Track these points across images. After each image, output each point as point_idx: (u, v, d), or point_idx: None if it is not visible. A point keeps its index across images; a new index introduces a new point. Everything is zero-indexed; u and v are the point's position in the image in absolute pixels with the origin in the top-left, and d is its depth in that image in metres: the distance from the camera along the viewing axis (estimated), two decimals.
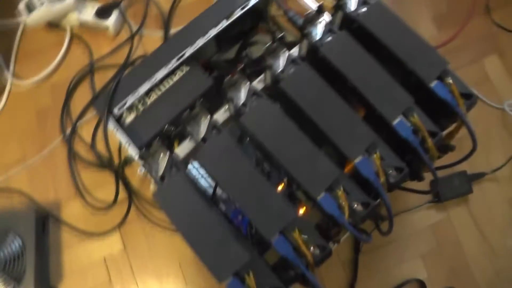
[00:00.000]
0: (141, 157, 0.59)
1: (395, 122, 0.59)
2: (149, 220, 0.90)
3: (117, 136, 0.77)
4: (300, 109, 0.59)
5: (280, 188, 0.73)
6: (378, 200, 0.58)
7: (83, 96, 0.97)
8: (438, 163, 0.70)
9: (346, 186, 0.57)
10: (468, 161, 0.90)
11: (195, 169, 0.80)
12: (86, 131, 0.96)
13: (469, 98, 0.62)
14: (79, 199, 0.91)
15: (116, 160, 0.91)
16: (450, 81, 0.61)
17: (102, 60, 1.00)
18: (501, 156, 0.95)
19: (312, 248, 0.56)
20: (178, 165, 0.60)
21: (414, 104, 0.60)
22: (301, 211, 0.76)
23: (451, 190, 0.92)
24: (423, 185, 0.89)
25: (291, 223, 0.55)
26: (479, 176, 0.94)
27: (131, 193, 0.91)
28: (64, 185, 0.93)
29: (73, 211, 0.92)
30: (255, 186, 0.57)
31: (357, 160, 0.57)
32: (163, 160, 0.61)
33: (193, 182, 0.59)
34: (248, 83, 0.62)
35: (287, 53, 0.63)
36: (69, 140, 0.93)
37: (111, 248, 0.90)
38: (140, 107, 0.80)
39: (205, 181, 0.79)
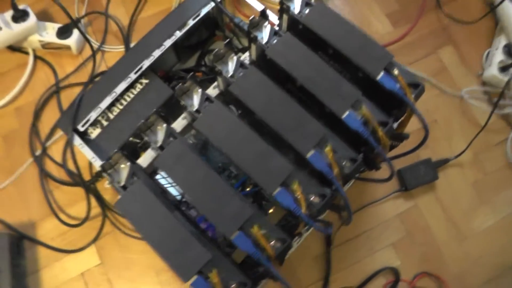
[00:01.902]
0: (103, 168, 0.61)
1: (344, 115, 0.61)
2: (123, 232, 0.91)
3: (84, 153, 0.79)
4: (251, 111, 0.61)
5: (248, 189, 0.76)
6: (334, 191, 0.60)
7: (51, 116, 0.98)
8: (396, 152, 0.73)
9: (301, 180, 0.59)
10: (432, 148, 0.94)
11: (163, 178, 0.82)
12: (56, 150, 0.97)
13: (416, 87, 0.64)
14: (52, 218, 0.92)
15: (87, 176, 0.92)
16: (396, 72, 0.63)
17: (67, 79, 1.01)
18: (462, 141, 0.98)
19: (273, 242, 0.58)
20: (137, 174, 0.61)
21: (361, 96, 0.62)
22: (271, 210, 0.78)
23: (416, 179, 0.95)
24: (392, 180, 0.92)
25: (249, 219, 0.57)
26: (443, 162, 0.97)
27: (104, 207, 0.92)
28: (37, 206, 0.94)
29: (48, 231, 0.93)
30: (212, 187, 0.59)
31: (309, 154, 0.59)
32: (124, 170, 0.62)
33: (154, 189, 0.61)
34: (200, 89, 0.63)
35: (235, 59, 0.65)
36: (40, 161, 0.94)
37: (88, 263, 0.91)
38: (104, 122, 0.82)
39: (174, 189, 0.81)
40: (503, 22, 1.03)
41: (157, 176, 0.81)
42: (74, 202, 0.94)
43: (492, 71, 0.99)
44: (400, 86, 0.63)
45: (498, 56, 1.00)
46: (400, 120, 0.68)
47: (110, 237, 0.93)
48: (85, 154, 0.77)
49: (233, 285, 0.58)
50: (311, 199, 0.60)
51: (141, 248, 0.92)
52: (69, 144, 0.79)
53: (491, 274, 0.92)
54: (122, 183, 0.62)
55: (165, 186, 0.77)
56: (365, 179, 0.79)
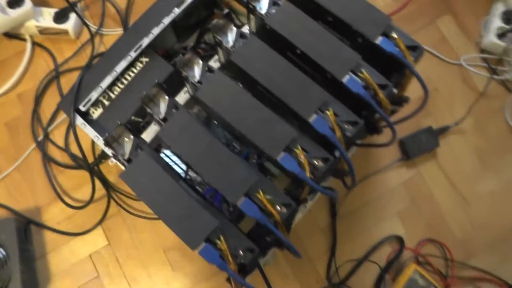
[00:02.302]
0: (106, 142, 0.61)
1: (345, 79, 0.61)
2: (129, 213, 0.92)
3: (86, 132, 0.79)
4: (253, 79, 0.61)
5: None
6: (338, 156, 0.61)
7: (52, 101, 0.99)
8: (398, 117, 0.73)
9: (304, 145, 0.60)
10: (434, 117, 0.95)
11: (167, 157, 0.82)
12: (58, 135, 0.97)
13: (415, 49, 0.64)
14: (58, 202, 0.92)
15: (91, 159, 0.93)
16: (395, 35, 0.64)
17: (66, 63, 1.01)
18: (463, 109, 0.99)
19: (278, 207, 0.58)
20: (141, 146, 0.62)
21: (361, 60, 0.62)
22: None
23: (418, 147, 0.96)
24: (394, 149, 0.94)
25: (254, 185, 0.57)
26: (443, 130, 0.97)
27: (109, 189, 0.92)
28: (42, 191, 0.94)
29: (54, 215, 0.94)
30: (216, 155, 0.59)
31: (312, 119, 0.60)
32: (128, 144, 0.63)
33: (158, 160, 0.61)
34: (201, 60, 0.63)
35: (235, 30, 0.65)
36: (42, 146, 0.95)
37: (96, 244, 0.92)
38: (106, 102, 0.83)
39: (178, 167, 0.81)
40: None
41: (161, 155, 0.81)
42: (79, 185, 0.95)
43: (491, 37, 0.99)
44: (399, 48, 0.63)
45: (496, 22, 1.00)
46: (400, 84, 0.67)
47: (117, 218, 0.94)
48: (88, 133, 0.77)
49: (240, 251, 0.58)
50: (315, 163, 0.60)
51: (148, 227, 0.92)
52: (71, 125, 0.79)
53: (494, 237, 0.93)
54: (127, 156, 0.63)
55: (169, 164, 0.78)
56: (368, 144, 0.79)
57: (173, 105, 0.63)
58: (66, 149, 0.95)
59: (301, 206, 0.71)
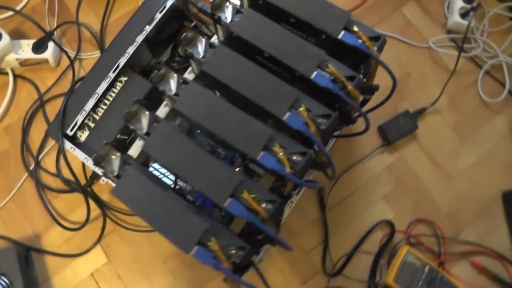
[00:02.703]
0: (95, 162, 0.64)
1: (313, 75, 0.64)
2: (125, 228, 0.94)
3: (75, 155, 0.82)
4: (226, 86, 0.64)
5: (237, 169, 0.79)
6: (317, 150, 0.64)
7: (39, 130, 1.01)
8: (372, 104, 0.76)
9: (282, 142, 0.62)
10: (409, 100, 0.98)
11: (155, 170, 0.85)
12: (49, 162, 1.00)
13: (378, 39, 0.67)
14: (56, 227, 0.95)
15: (83, 181, 0.95)
16: (356, 28, 0.67)
17: (49, 91, 1.04)
18: (437, 89, 1.02)
19: (264, 204, 0.61)
20: (129, 161, 0.64)
21: (327, 56, 0.65)
22: None
23: (397, 131, 0.99)
24: (374, 136, 0.97)
25: (239, 186, 0.60)
26: (421, 112, 1.01)
27: (104, 207, 0.95)
28: (39, 217, 0.97)
29: (53, 239, 0.96)
30: (200, 161, 0.62)
31: (285, 116, 0.63)
32: (116, 161, 0.65)
33: (146, 173, 0.64)
34: (176, 74, 0.66)
35: (204, 41, 0.68)
36: (35, 174, 0.97)
37: (96, 263, 0.95)
38: (91, 124, 0.85)
39: (167, 179, 0.84)
40: None
41: (150, 169, 0.84)
42: (74, 208, 0.97)
43: (455, 18, 1.03)
44: (362, 40, 0.66)
45: (458, 3, 1.04)
46: (368, 74, 0.71)
47: (114, 235, 0.96)
48: (77, 156, 0.80)
49: (233, 250, 0.61)
50: (294, 158, 0.63)
51: (145, 240, 0.95)
52: (61, 150, 0.81)
53: (480, 207, 0.97)
54: (116, 173, 0.65)
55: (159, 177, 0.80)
56: (345, 135, 0.82)
57: (154, 119, 0.66)
58: (58, 174, 0.97)
59: (288, 202, 0.75)
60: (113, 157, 0.66)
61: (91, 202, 0.94)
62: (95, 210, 0.96)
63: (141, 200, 0.62)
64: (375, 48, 0.67)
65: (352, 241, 0.94)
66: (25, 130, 1.00)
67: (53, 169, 0.99)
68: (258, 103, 0.63)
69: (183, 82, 0.67)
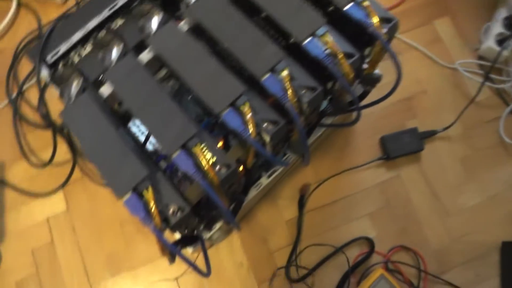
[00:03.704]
0: (53, 78, 0.59)
1: (306, 41, 0.58)
2: (92, 180, 0.89)
3: (49, 84, 0.77)
4: (207, 32, 0.58)
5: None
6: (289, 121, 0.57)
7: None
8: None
9: (254, 105, 0.56)
10: (420, 119, 0.90)
11: (135, 126, 0.80)
12: (33, 95, 0.96)
13: (389, 21, 0.60)
14: (23, 161, 0.90)
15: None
16: (366, 3, 0.60)
17: (50, 24, 1.00)
18: (453, 114, 0.93)
19: (218, 167, 0.54)
20: (88, 88, 0.59)
21: (327, 25, 0.59)
22: None
23: (400, 147, 0.91)
24: (375, 147, 0.88)
25: (193, 138, 0.54)
26: (430, 134, 0.92)
27: (76, 153, 0.90)
28: (8, 148, 0.93)
29: (17, 173, 0.91)
30: (159, 104, 0.56)
31: (264, 77, 0.56)
32: (76, 86, 0.60)
33: (101, 105, 0.58)
34: (162, 13, 0.61)
35: None
36: (15, 102, 0.93)
37: (54, 209, 0.90)
38: (76, 58, 0.80)
39: (150, 144, 0.78)
40: None
41: (130, 124, 0.78)
42: (46, 146, 0.92)
43: (489, 43, 0.95)
44: (370, 18, 0.60)
45: (497, 28, 0.95)
46: (370, 59, 0.63)
47: (79, 185, 0.91)
48: (53, 86, 0.75)
49: (171, 209, 0.54)
50: (264, 126, 0.56)
51: (108, 198, 0.90)
52: (36, 73, 0.76)
53: (472, 253, 0.87)
54: (73, 99, 0.60)
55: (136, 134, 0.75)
56: (330, 125, 0.75)
57: (124, 52, 0.60)
58: (38, 108, 0.93)
59: (256, 183, 0.68)
60: (75, 82, 0.60)
61: (64, 146, 0.90)
62: (67, 154, 0.91)
63: (87, 131, 0.56)
64: (384, 30, 0.59)
65: (325, 250, 0.86)
66: (17, 57, 0.97)
67: (35, 103, 0.95)
68: (238, 57, 0.57)
69: (165, 22, 0.61)
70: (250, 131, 0.54)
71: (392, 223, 0.88)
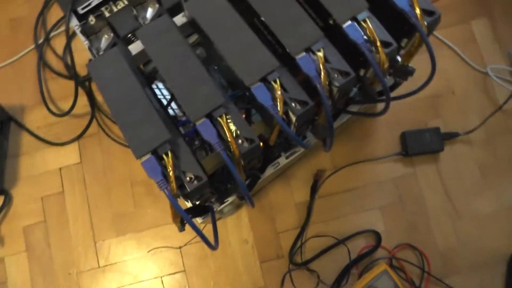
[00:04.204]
0: (83, 31, 0.58)
1: (346, 25, 0.56)
2: (107, 136, 0.89)
3: (78, 33, 0.76)
4: (247, 2, 0.57)
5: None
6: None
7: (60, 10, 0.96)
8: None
9: (285, 82, 0.55)
10: (443, 119, 0.88)
11: (157, 89, 0.79)
12: (59, 43, 0.95)
13: (431, 15, 0.59)
14: (42, 107, 0.90)
15: (84, 73, 0.90)
16: None
17: None
18: (477, 119, 0.92)
19: (240, 140, 0.54)
20: (119, 43, 0.58)
21: (368, 11, 0.57)
22: None
23: (420, 145, 0.89)
24: (394, 141, 0.86)
25: (220, 108, 0.53)
26: (452, 135, 0.91)
27: (94, 107, 0.90)
28: (30, 92, 0.93)
29: (35, 118, 0.92)
30: (188, 68, 0.55)
31: (299, 56, 0.55)
32: (106, 40, 0.59)
33: (131, 63, 0.57)
34: None
35: None
36: (40, 48, 0.93)
37: (68, 159, 0.90)
38: (106, 13, 0.79)
39: (166, 101, 0.77)
40: None
41: (152, 86, 0.78)
42: (67, 96, 0.92)
43: None
44: (413, 7, 0.58)
45: None
46: (406, 51, 0.62)
47: (94, 139, 0.91)
48: (80, 36, 0.74)
49: (187, 177, 0.53)
50: (292, 105, 0.55)
51: (122, 156, 0.90)
52: (65, 22, 0.76)
53: (480, 259, 0.86)
54: (102, 52, 0.59)
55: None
56: (357, 112, 0.74)
57: (159, 12, 0.59)
58: (62, 57, 0.92)
59: (274, 162, 0.67)
60: (106, 36, 0.59)
61: (84, 99, 0.89)
62: (86, 107, 0.91)
63: (113, 85, 0.55)
64: (425, 23, 0.58)
65: (331, 239, 0.86)
66: (47, 4, 0.96)
67: (61, 52, 0.94)
68: (275, 32, 0.55)
69: None
70: (279, 108, 0.53)
71: (402, 219, 0.87)
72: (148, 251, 0.85)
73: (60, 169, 0.89)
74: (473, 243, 0.87)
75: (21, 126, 0.90)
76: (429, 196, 0.89)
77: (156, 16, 0.59)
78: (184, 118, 0.78)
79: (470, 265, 0.86)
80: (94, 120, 0.90)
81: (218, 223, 0.84)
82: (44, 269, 0.85)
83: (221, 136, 0.53)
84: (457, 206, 0.88)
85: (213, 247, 0.56)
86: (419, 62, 0.63)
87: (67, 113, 0.87)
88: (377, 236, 0.86)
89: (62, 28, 0.94)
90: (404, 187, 0.89)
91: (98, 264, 0.85)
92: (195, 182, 0.53)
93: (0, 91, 0.92)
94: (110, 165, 0.88)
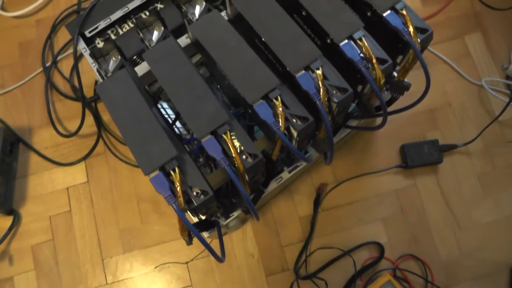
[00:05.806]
0: (92, 54, 0.60)
1: (342, 43, 0.59)
2: (114, 155, 0.91)
3: (85, 56, 0.79)
4: (248, 24, 0.60)
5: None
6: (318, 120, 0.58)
7: (67, 33, 0.99)
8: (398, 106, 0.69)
9: (286, 99, 0.57)
10: (441, 131, 0.90)
11: (162, 109, 0.81)
12: (66, 66, 0.98)
13: (424, 32, 0.61)
14: (50, 128, 0.93)
15: (91, 94, 0.93)
16: (404, 12, 0.61)
17: (89, 1, 1.02)
18: (474, 130, 0.94)
19: (244, 156, 0.56)
20: (126, 65, 0.61)
21: (364, 30, 0.60)
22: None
23: (420, 157, 0.91)
24: (394, 154, 0.88)
25: (224, 126, 0.55)
26: (450, 147, 0.93)
27: (101, 127, 0.92)
28: (38, 114, 0.95)
29: (43, 139, 0.94)
30: (193, 86, 0.57)
31: (299, 74, 0.57)
32: (114, 62, 0.62)
33: (138, 84, 0.60)
34: (205, 2, 0.62)
35: None
36: (48, 71, 0.95)
37: (75, 179, 0.92)
38: (112, 36, 0.82)
39: (170, 120, 0.80)
40: None
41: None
42: (74, 117, 0.95)
43: None
44: (406, 27, 0.60)
45: None
46: (401, 67, 0.64)
47: (101, 158, 0.93)
48: (87, 58, 0.77)
49: (194, 192, 0.55)
50: (293, 121, 0.57)
51: (128, 174, 0.91)
52: (72, 45, 0.79)
53: (482, 270, 0.88)
54: (110, 74, 0.62)
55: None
56: (358, 127, 0.76)
57: (165, 35, 0.61)
58: (69, 79, 0.95)
59: (277, 177, 0.69)
60: (113, 58, 0.62)
61: (91, 119, 0.92)
62: (93, 127, 0.93)
63: (121, 105, 0.57)
64: (418, 40, 0.60)
65: (334, 251, 0.87)
66: (54, 28, 0.99)
67: (67, 74, 0.97)
68: (275, 51, 0.58)
69: (208, 10, 0.62)
70: (280, 124, 0.55)
71: (404, 230, 0.89)
72: (155, 267, 0.86)
73: (67, 188, 0.91)
74: (475, 253, 0.88)
75: (30, 147, 0.92)
76: (430, 207, 0.90)
77: (162, 38, 0.62)
78: (188, 137, 0.81)
79: (473, 275, 0.87)
80: (101, 140, 0.92)
81: (224, 237, 0.86)
82: (53, 286, 0.87)
83: (225, 152, 0.55)
84: (458, 216, 0.90)
85: (220, 259, 0.57)
86: (415, 77, 0.65)
87: (75, 133, 0.89)
88: (380, 248, 0.87)
89: (69, 51, 0.97)
90: (405, 199, 0.90)
91: (106, 281, 0.87)
92: (202, 196, 0.55)
93: (9, 113, 0.94)
94: (116, 184, 0.90)
